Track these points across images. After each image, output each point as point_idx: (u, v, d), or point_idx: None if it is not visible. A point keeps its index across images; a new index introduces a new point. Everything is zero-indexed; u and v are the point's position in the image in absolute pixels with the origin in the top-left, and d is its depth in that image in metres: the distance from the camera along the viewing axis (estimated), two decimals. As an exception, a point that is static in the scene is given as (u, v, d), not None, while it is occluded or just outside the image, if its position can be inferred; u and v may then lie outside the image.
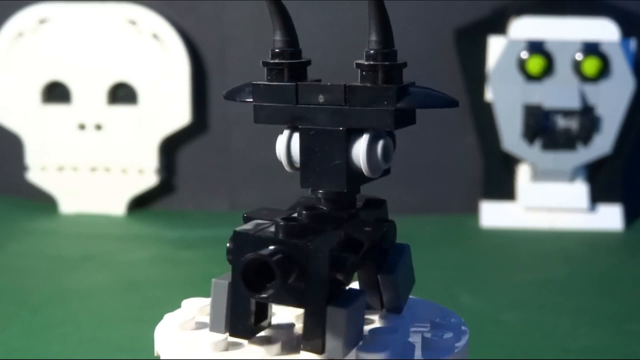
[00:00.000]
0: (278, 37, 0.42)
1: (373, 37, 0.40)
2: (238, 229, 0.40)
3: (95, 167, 1.28)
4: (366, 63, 0.40)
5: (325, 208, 0.41)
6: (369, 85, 0.40)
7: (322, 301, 0.38)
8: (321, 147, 0.41)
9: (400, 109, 0.39)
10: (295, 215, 0.41)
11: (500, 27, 1.22)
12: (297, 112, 0.41)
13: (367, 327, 0.41)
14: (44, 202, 1.31)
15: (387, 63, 0.40)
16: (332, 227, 0.40)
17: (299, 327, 0.42)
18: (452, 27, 1.25)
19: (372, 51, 0.40)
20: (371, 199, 0.43)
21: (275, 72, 0.42)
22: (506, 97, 1.20)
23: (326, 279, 0.38)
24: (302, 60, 0.43)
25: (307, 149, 0.41)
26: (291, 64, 0.42)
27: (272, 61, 0.42)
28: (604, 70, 1.19)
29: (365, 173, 0.40)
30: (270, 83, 0.42)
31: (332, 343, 0.38)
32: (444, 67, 1.26)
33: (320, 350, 0.38)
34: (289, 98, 0.41)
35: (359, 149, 0.40)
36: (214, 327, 0.41)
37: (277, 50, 0.42)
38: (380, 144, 0.40)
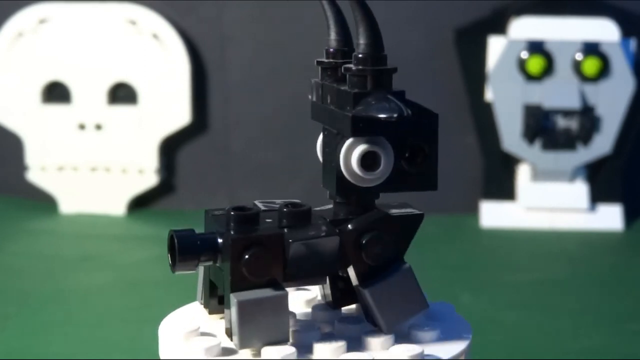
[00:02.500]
0: (331, 36, 0.43)
1: (361, 40, 0.40)
2: (210, 209, 0.42)
3: (95, 167, 1.28)
4: (353, 67, 0.40)
5: (305, 206, 0.41)
6: (340, 88, 0.40)
7: (227, 288, 0.39)
8: (329, 148, 0.42)
9: (357, 116, 0.39)
10: (273, 207, 0.42)
11: (500, 27, 1.22)
12: (322, 111, 0.42)
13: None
14: (44, 202, 1.31)
15: (361, 68, 0.39)
16: (288, 224, 0.40)
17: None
18: (452, 27, 1.25)
19: (360, 55, 0.40)
20: (378, 209, 0.42)
21: (323, 71, 0.43)
22: (506, 97, 1.20)
23: (228, 267, 0.39)
24: (341, 60, 0.42)
25: (323, 149, 0.43)
26: (334, 64, 0.43)
27: (324, 60, 0.43)
28: (604, 70, 1.19)
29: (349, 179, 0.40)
30: (317, 81, 0.43)
31: (234, 332, 0.39)
32: (444, 67, 1.26)
33: (231, 336, 0.40)
34: (318, 96, 0.43)
35: (340, 154, 0.40)
36: (198, 298, 0.44)
37: (330, 49, 0.43)
38: (357, 152, 0.40)
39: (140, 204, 1.30)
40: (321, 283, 0.43)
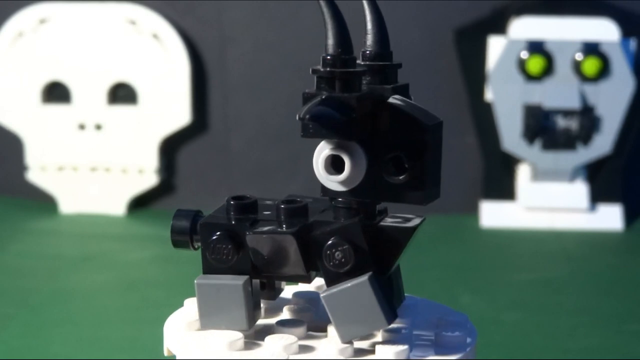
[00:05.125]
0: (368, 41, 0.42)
1: (328, 41, 0.39)
2: (230, 197, 0.44)
3: (95, 167, 1.28)
4: (321, 69, 0.39)
5: (302, 201, 0.42)
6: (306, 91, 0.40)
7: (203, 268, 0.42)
8: None
9: (301, 118, 0.39)
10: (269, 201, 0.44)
11: (500, 27, 1.22)
12: None
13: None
14: (44, 202, 1.31)
15: (328, 70, 0.39)
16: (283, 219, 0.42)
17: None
18: (452, 27, 1.25)
19: (328, 57, 0.39)
20: (368, 216, 0.42)
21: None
22: (506, 97, 1.20)
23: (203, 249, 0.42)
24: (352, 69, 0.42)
25: None
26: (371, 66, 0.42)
27: (360, 63, 0.42)
28: (604, 70, 1.19)
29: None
30: None
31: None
32: (444, 67, 1.26)
33: None
34: None
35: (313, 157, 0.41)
36: None
37: (367, 51, 0.42)
38: (322, 154, 0.40)
39: (140, 204, 1.30)
40: (306, 282, 0.43)
